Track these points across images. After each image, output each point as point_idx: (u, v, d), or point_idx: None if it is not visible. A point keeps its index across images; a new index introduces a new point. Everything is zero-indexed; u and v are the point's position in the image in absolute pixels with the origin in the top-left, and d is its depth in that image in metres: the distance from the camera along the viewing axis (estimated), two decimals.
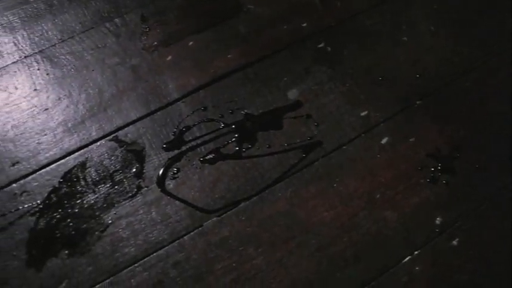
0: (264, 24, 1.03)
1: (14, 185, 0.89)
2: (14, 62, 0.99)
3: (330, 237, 0.88)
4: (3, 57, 0.99)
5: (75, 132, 0.93)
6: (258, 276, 0.85)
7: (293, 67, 1.00)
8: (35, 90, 0.96)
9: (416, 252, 0.86)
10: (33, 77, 0.98)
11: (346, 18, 1.05)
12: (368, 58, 1.02)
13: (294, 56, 1.01)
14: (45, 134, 0.93)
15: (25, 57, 0.99)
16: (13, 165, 0.91)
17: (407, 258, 0.86)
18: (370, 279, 0.85)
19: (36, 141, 0.93)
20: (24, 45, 1.00)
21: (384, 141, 0.95)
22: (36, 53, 1.00)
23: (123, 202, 0.88)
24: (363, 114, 0.97)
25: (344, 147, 0.94)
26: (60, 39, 1.01)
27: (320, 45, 1.02)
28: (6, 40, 1.00)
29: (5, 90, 0.96)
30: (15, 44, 1.00)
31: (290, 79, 0.99)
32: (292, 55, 1.01)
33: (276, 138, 0.94)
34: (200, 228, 0.87)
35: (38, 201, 0.88)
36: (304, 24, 1.04)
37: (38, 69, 0.98)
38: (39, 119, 0.94)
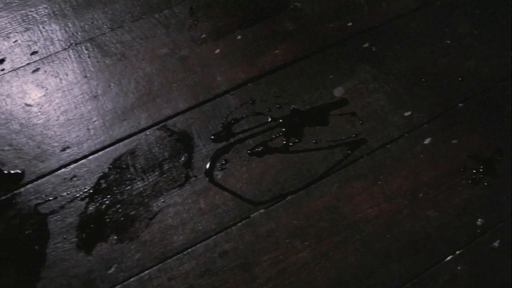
0: (310, 21, 1.01)
1: (64, 169, 0.88)
2: (64, 49, 0.97)
3: (374, 233, 0.86)
4: (54, 44, 0.97)
5: (125, 120, 0.91)
6: (304, 268, 0.83)
7: (338, 65, 0.98)
8: (85, 77, 0.94)
9: (458, 252, 0.85)
10: (84, 64, 0.96)
11: (391, 19, 1.03)
12: (411, 59, 1.00)
13: (339, 55, 0.99)
14: (95, 121, 0.91)
15: (76, 44, 0.97)
16: (63, 150, 0.89)
17: (449, 258, 0.84)
18: (412, 276, 0.83)
19: (86, 128, 0.91)
20: (75, 33, 0.98)
21: (426, 141, 0.93)
22: (86, 40, 0.98)
23: (172, 191, 0.87)
24: (406, 114, 0.95)
25: (388, 145, 0.92)
26: (110, 28, 0.99)
27: (365, 45, 1.00)
28: (57, 27, 0.98)
29: (57, 76, 0.94)
30: (66, 31, 0.98)
31: (335, 77, 0.97)
32: (337, 53, 0.99)
33: (322, 134, 0.92)
34: (247, 220, 0.85)
35: (88, 187, 0.87)
36: (350, 24, 1.02)
37: (89, 57, 0.96)
38: (89, 105, 0.92)
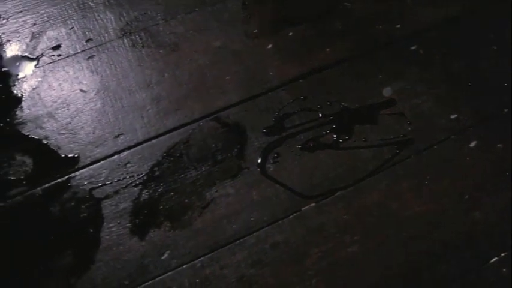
0: (359, 22, 1.01)
1: (119, 155, 0.87)
2: (119, 37, 0.96)
3: (421, 232, 0.86)
4: (108, 32, 0.97)
5: (178, 109, 0.91)
6: (352, 263, 0.83)
7: (387, 66, 0.98)
8: (140, 66, 0.94)
9: (503, 254, 0.84)
10: (138, 53, 0.95)
11: (439, 22, 1.02)
12: (458, 63, 0.99)
13: (388, 56, 0.98)
14: (149, 109, 0.91)
15: (130, 33, 0.97)
16: (117, 136, 0.88)
17: (494, 259, 0.84)
18: (457, 275, 0.83)
19: (140, 115, 0.90)
20: (129, 22, 0.98)
21: (472, 144, 0.93)
22: (140, 30, 0.97)
23: (225, 181, 0.86)
24: (452, 117, 0.95)
25: (435, 147, 0.92)
26: (164, 19, 0.98)
27: (413, 47, 1.00)
28: (112, 16, 0.98)
29: (111, 64, 0.93)
30: (120, 20, 0.98)
31: (384, 77, 0.97)
32: (386, 54, 0.99)
33: (372, 133, 0.92)
34: (298, 213, 0.85)
35: (142, 173, 0.86)
36: (398, 26, 1.01)
37: (143, 46, 0.96)
38: (143, 94, 0.92)
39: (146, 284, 0.80)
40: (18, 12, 0.97)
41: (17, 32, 0.95)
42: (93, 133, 0.88)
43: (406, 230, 0.85)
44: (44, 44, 0.94)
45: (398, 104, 0.95)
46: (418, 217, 0.86)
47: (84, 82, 0.92)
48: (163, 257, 0.81)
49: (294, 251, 0.82)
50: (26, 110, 0.89)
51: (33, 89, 0.91)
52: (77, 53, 0.94)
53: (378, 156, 0.90)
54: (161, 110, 0.90)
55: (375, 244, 0.84)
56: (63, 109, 0.89)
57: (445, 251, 0.85)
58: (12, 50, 0.93)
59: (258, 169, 0.87)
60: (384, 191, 0.87)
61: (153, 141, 0.88)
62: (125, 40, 0.96)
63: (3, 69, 0.91)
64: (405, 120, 0.93)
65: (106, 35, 0.96)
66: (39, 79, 0.91)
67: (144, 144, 0.88)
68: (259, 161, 0.87)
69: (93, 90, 0.91)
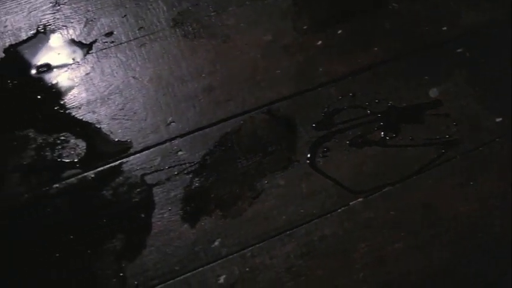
0: (407, 23, 1.01)
1: (170, 143, 0.87)
2: (171, 27, 0.96)
3: (465, 231, 0.86)
4: (160, 21, 0.97)
5: (230, 100, 0.91)
6: (399, 258, 0.83)
7: (433, 67, 0.98)
8: (191, 56, 0.94)
9: None
10: (189, 43, 0.95)
11: (485, 26, 1.02)
12: (504, 67, 0.99)
13: (434, 57, 0.99)
14: (201, 99, 0.91)
15: (182, 23, 0.97)
16: (169, 124, 0.89)
17: None
18: (500, 274, 0.84)
19: (192, 105, 0.91)
20: (181, 12, 0.98)
21: None
22: (192, 20, 0.97)
23: (275, 173, 0.87)
24: (498, 120, 0.95)
25: (480, 148, 0.92)
26: (215, 11, 0.99)
27: (459, 50, 1.00)
28: (164, 6, 0.98)
29: (163, 53, 0.94)
30: (172, 10, 0.98)
31: (431, 78, 0.97)
32: (432, 56, 0.99)
33: (418, 132, 0.92)
34: (347, 207, 0.85)
35: (193, 162, 0.86)
36: (445, 28, 1.02)
37: (195, 37, 0.96)
38: (195, 83, 0.92)
39: (197, 270, 0.80)
40: None
41: (71, 18, 0.95)
42: (145, 120, 0.88)
43: (451, 229, 0.86)
44: (97, 30, 0.94)
45: (444, 105, 0.95)
46: (463, 217, 0.87)
47: (137, 69, 0.92)
48: (213, 245, 0.82)
49: (341, 244, 0.83)
50: (79, 95, 0.89)
51: (87, 74, 0.91)
52: (130, 40, 0.94)
53: (424, 155, 0.90)
54: (213, 100, 0.91)
55: (420, 242, 0.85)
56: (116, 95, 0.90)
57: (488, 251, 0.85)
58: (66, 35, 0.93)
59: (308, 162, 0.87)
60: (430, 190, 0.88)
61: (206, 130, 0.88)
62: (177, 30, 0.96)
63: (58, 54, 0.91)
64: (451, 121, 0.94)
65: (158, 24, 0.96)
66: (92, 65, 0.92)
67: (195, 133, 0.88)
68: (308, 154, 0.88)
69: (146, 78, 0.91)
